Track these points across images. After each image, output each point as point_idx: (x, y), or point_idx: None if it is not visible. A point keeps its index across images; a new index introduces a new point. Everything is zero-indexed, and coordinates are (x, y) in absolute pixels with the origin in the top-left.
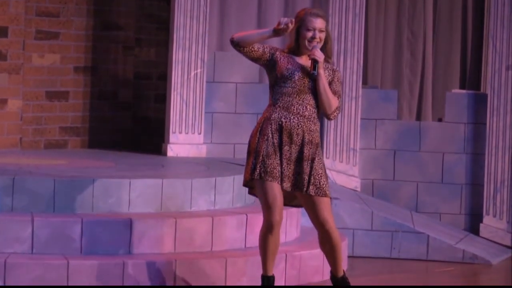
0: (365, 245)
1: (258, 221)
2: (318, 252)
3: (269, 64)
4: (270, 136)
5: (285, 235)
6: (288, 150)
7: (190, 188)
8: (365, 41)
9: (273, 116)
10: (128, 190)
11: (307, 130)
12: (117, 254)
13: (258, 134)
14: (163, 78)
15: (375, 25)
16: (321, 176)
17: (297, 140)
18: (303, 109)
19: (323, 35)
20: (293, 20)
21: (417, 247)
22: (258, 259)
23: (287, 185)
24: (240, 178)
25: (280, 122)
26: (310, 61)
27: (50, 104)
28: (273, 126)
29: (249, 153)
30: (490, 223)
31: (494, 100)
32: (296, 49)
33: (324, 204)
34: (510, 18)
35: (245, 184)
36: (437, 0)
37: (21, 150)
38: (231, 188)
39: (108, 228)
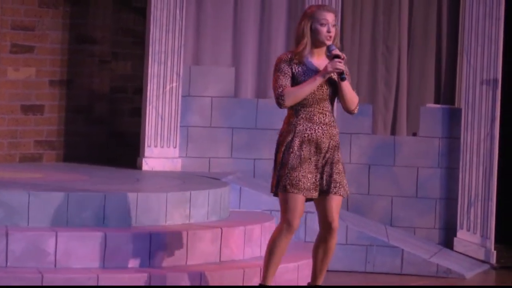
0: (339, 259)
1: (233, 235)
2: (293, 266)
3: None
4: (296, 149)
5: (260, 249)
6: (316, 160)
7: (165, 202)
8: None
9: (298, 128)
10: (103, 204)
11: (331, 137)
12: (91, 268)
13: (283, 147)
14: (139, 92)
15: (350, 40)
16: (343, 174)
17: (323, 148)
18: (323, 117)
19: (334, 30)
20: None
21: (391, 261)
22: (232, 272)
23: (315, 193)
24: (214, 192)
25: (306, 135)
26: (325, 57)
27: (25, 118)
28: (299, 139)
29: (274, 165)
30: (464, 237)
31: (468, 114)
32: (310, 47)
33: (338, 203)
34: (484, 33)
35: (272, 192)
36: (412, 15)
37: None
38: (206, 202)
39: (83, 242)
